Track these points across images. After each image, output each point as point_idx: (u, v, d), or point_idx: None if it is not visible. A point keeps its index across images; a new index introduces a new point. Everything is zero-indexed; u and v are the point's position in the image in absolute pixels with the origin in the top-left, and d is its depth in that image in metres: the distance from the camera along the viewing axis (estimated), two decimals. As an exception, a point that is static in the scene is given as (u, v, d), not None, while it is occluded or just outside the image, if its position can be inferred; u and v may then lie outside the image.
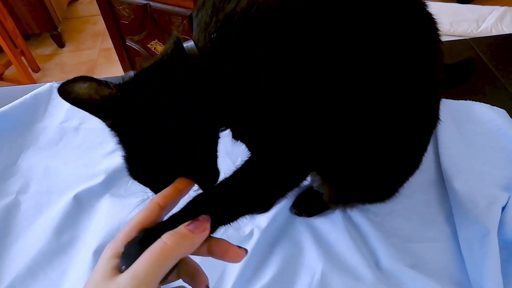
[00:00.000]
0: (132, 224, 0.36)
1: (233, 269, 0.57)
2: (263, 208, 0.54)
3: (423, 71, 0.47)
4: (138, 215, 0.37)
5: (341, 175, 0.56)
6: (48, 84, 0.86)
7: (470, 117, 0.79)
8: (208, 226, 0.36)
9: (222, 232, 0.62)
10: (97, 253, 0.57)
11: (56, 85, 0.86)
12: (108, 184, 0.68)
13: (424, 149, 0.59)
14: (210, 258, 0.58)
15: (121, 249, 0.35)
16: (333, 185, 0.58)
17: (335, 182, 0.57)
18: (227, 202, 0.42)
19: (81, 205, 0.65)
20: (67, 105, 0.81)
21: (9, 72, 2.15)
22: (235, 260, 0.40)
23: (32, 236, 0.62)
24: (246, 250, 0.40)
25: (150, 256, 0.32)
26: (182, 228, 0.35)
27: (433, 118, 0.55)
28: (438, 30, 0.48)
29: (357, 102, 0.44)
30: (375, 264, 0.59)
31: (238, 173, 0.44)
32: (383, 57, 0.43)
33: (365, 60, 0.42)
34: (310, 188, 0.66)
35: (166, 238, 0.33)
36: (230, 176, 0.43)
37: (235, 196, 0.43)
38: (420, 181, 0.67)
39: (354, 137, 0.48)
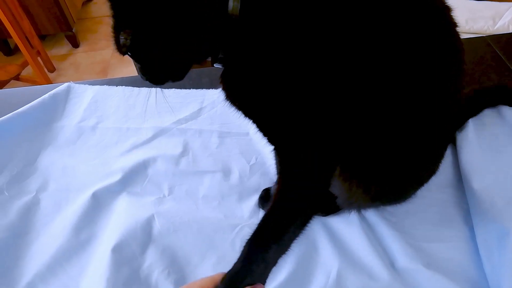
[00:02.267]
0: None
1: (249, 267, 0.57)
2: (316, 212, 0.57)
3: (447, 74, 0.47)
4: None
5: (356, 174, 0.56)
6: (65, 84, 0.87)
7: (489, 117, 0.78)
8: None
9: (238, 230, 0.62)
10: (115, 250, 0.58)
11: (73, 85, 0.88)
12: (125, 183, 0.69)
13: (441, 156, 0.59)
14: (225, 258, 0.59)
15: None
16: (347, 188, 0.58)
17: (350, 182, 0.57)
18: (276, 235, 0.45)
19: (98, 203, 0.66)
20: (84, 104, 0.85)
21: (26, 72, 2.18)
22: None
23: (52, 233, 0.63)
24: None
25: None
26: None
27: (452, 125, 0.55)
28: (456, 27, 0.47)
29: (378, 93, 0.44)
30: (391, 263, 0.59)
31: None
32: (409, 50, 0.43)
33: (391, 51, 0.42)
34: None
35: None
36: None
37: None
38: (437, 181, 0.67)
39: (376, 133, 0.48)
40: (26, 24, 2.01)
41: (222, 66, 0.47)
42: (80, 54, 2.44)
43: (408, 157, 0.53)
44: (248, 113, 0.48)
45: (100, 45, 2.49)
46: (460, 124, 0.75)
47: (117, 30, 0.41)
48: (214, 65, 0.47)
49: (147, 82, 0.94)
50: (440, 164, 0.60)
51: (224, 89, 0.49)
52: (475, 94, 0.79)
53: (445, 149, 0.60)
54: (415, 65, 0.44)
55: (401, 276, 0.57)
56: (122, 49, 0.41)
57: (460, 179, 0.69)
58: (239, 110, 0.48)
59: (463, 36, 0.50)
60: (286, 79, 0.42)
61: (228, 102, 0.49)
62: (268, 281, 0.57)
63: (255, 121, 0.48)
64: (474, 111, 0.78)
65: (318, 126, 0.44)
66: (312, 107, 0.43)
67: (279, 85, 0.42)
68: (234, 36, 0.42)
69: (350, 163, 0.53)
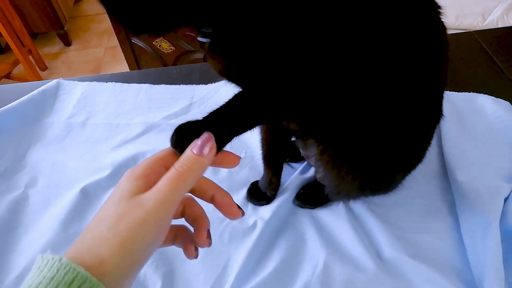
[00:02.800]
0: (152, 158, 0.39)
1: (237, 259, 0.58)
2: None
3: (431, 60, 0.48)
4: (156, 154, 0.40)
5: (345, 160, 0.57)
6: (55, 81, 0.87)
7: (474, 109, 0.79)
8: (213, 144, 0.37)
9: (227, 223, 0.63)
10: (104, 244, 0.58)
11: (62, 81, 0.88)
12: (114, 178, 0.70)
13: (427, 142, 0.59)
14: (213, 250, 0.59)
15: (142, 173, 0.36)
16: (336, 174, 0.59)
17: (339, 169, 0.58)
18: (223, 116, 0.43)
19: (88, 198, 0.67)
20: (73, 101, 0.85)
21: (17, 70, 2.17)
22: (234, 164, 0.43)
23: (41, 228, 0.63)
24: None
25: (168, 181, 0.34)
26: (189, 153, 0.36)
27: (437, 112, 0.56)
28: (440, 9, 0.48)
29: (363, 74, 0.44)
30: (377, 254, 0.60)
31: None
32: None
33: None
34: (313, 180, 0.67)
35: (178, 167, 0.35)
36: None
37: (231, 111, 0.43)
38: (423, 173, 0.68)
39: (363, 119, 0.48)
40: (17, 22, 2.00)
41: (209, 39, 0.46)
42: (72, 53, 2.43)
43: (396, 143, 0.54)
44: (234, 76, 0.47)
45: (93, 44, 2.48)
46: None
47: None
48: (198, 38, 0.46)
49: (137, 78, 0.94)
50: (426, 151, 0.61)
51: (211, 58, 0.48)
52: None
53: (431, 136, 0.60)
54: (400, 47, 0.44)
55: (387, 267, 0.58)
56: None
57: (445, 171, 0.70)
58: (225, 75, 0.48)
59: (452, 32, 0.50)
60: (275, 47, 0.41)
61: (215, 70, 0.48)
62: (256, 271, 0.58)
63: (240, 82, 0.47)
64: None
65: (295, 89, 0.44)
66: (293, 73, 0.42)
67: (268, 51, 0.42)
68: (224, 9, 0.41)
69: (338, 150, 0.54)
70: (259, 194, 0.66)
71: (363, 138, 0.52)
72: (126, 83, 0.88)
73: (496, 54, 0.91)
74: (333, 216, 0.63)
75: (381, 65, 0.44)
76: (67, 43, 2.45)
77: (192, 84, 0.88)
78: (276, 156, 0.64)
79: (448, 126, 0.74)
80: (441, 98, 0.55)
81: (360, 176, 0.58)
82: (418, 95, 0.50)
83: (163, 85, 0.87)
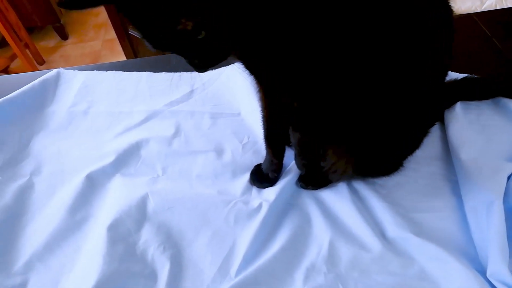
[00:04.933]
0: None
1: (244, 240, 0.58)
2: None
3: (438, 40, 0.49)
4: None
5: (347, 144, 0.57)
6: (55, 70, 0.87)
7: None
8: None
9: (232, 206, 0.63)
10: (110, 228, 0.59)
11: (62, 71, 0.88)
12: (118, 164, 0.70)
13: (428, 125, 0.60)
14: (219, 232, 0.60)
15: None
16: (338, 157, 0.59)
17: (341, 151, 0.58)
18: None
19: (93, 184, 0.67)
20: (74, 90, 0.85)
21: (15, 65, 2.16)
22: None
23: (47, 214, 0.64)
24: None
25: None
26: None
27: (439, 95, 0.57)
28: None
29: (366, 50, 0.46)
30: (382, 233, 0.60)
31: None
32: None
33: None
34: (315, 162, 0.67)
35: None
36: None
37: None
38: (426, 155, 0.68)
39: (363, 101, 0.49)
40: (12, 16, 1.98)
41: None
42: (70, 46, 2.41)
43: (394, 127, 0.55)
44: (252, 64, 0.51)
45: (90, 37, 2.46)
46: (449, 104, 0.76)
47: (172, 17, 0.40)
48: None
49: (137, 66, 0.93)
50: (424, 137, 0.62)
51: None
52: (466, 80, 0.78)
53: (430, 123, 0.61)
54: (402, 23, 0.45)
55: (392, 245, 0.59)
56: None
57: (448, 152, 0.70)
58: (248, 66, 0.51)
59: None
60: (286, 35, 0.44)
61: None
62: (262, 252, 0.58)
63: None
64: (463, 95, 0.79)
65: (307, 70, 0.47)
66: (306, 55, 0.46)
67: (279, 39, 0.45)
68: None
69: (337, 133, 0.54)
70: (262, 176, 0.67)
71: (362, 122, 0.53)
72: (125, 71, 0.88)
73: (495, 35, 0.91)
74: (337, 197, 0.64)
75: (393, 39, 0.45)
76: (64, 36, 2.43)
77: (192, 71, 0.88)
78: (276, 135, 0.64)
79: (452, 110, 0.74)
80: (444, 79, 0.55)
81: (358, 159, 0.59)
82: (426, 74, 0.50)
83: (163, 73, 0.87)
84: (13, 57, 2.05)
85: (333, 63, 0.46)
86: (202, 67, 0.46)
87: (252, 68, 0.52)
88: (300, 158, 0.65)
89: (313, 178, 0.65)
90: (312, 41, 0.44)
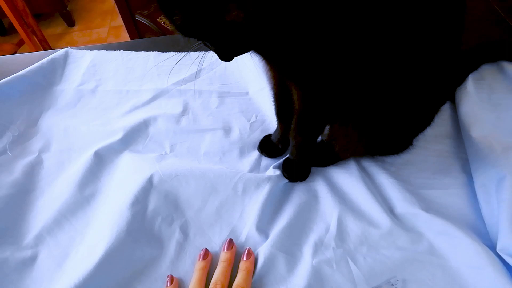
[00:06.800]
0: None
1: (250, 215, 0.58)
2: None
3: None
4: None
5: (356, 121, 0.57)
6: (63, 50, 0.87)
7: (488, 71, 0.78)
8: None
9: (241, 175, 0.63)
10: (119, 202, 0.59)
11: (71, 50, 0.88)
12: (126, 141, 0.70)
13: (440, 103, 0.59)
14: (228, 201, 0.60)
15: None
16: (346, 132, 0.59)
17: (348, 129, 0.58)
18: None
19: (101, 161, 0.67)
20: (83, 69, 0.85)
21: (22, 51, 2.17)
22: None
23: (57, 190, 0.64)
24: None
25: None
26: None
27: (450, 80, 0.56)
28: None
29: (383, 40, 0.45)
30: (390, 210, 0.60)
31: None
32: None
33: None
34: (321, 140, 0.67)
35: None
36: None
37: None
38: (436, 133, 0.68)
39: (377, 81, 0.49)
40: (20, 2, 1.98)
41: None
42: (76, 33, 2.41)
43: (407, 105, 0.54)
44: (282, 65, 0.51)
45: (96, 23, 2.46)
46: (459, 81, 0.76)
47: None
48: None
49: (144, 46, 0.93)
50: (435, 115, 0.61)
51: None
52: (476, 47, 0.78)
53: (441, 101, 0.60)
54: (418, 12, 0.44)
55: (400, 221, 0.58)
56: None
57: (458, 131, 0.69)
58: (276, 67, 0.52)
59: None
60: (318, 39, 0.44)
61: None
62: (269, 226, 0.58)
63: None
64: (474, 66, 0.78)
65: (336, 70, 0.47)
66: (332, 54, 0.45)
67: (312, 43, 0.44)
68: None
69: (348, 112, 0.54)
70: (271, 145, 0.67)
71: (373, 100, 0.52)
72: (133, 51, 0.88)
73: (506, 12, 0.90)
74: (345, 174, 0.63)
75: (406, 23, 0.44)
76: (71, 23, 2.43)
77: (200, 51, 0.87)
78: (285, 111, 0.64)
79: (464, 88, 0.73)
80: (455, 56, 0.54)
81: (367, 136, 0.58)
82: (439, 50, 0.49)
83: (171, 52, 0.86)
84: (20, 43, 2.06)
85: (360, 55, 0.46)
86: (229, 57, 0.44)
87: (272, 58, 0.50)
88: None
89: (320, 156, 0.65)
90: (354, 40, 0.44)
